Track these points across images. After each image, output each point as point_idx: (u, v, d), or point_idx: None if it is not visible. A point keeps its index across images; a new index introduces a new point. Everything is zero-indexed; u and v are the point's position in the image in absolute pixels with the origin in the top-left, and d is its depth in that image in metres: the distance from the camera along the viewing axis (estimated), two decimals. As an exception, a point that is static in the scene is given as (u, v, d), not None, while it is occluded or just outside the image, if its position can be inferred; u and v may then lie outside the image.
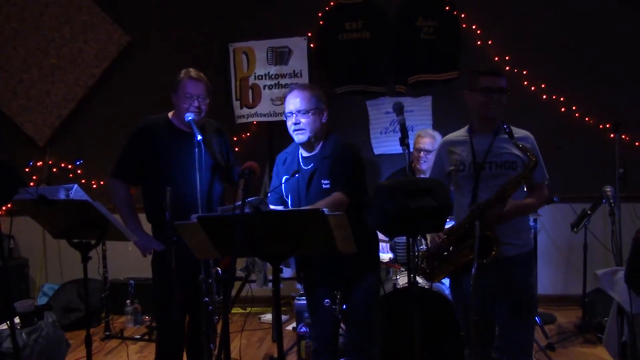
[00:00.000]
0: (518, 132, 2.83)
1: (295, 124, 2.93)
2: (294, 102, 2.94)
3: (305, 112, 2.92)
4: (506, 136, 2.76)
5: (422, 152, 4.29)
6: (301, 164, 3.02)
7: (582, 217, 4.38)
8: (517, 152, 2.75)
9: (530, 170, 2.70)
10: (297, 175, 2.95)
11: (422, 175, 4.34)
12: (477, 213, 2.63)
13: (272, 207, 3.01)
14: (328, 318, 3.03)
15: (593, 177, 4.69)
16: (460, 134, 2.94)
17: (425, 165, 4.28)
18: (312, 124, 2.93)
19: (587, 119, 5.18)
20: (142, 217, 3.37)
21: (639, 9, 5.14)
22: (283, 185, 3.02)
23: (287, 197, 3.05)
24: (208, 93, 3.25)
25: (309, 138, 2.94)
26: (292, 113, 2.94)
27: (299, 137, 2.95)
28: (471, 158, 2.81)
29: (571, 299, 5.15)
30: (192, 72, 3.23)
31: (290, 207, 3.02)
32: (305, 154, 3.03)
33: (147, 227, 3.38)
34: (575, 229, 4.42)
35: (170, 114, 3.33)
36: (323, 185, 2.91)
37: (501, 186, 2.72)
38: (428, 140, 4.31)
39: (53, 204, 2.68)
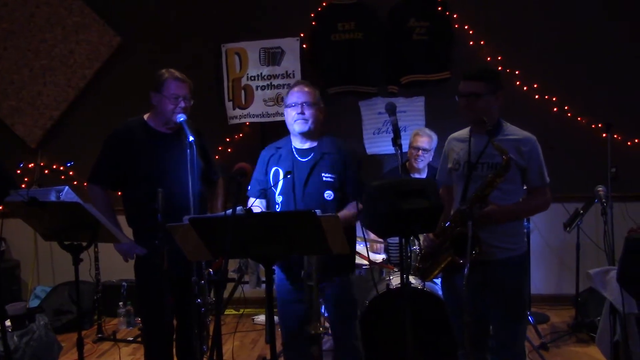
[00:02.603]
0: (519, 133, 2.83)
1: (300, 113, 3.00)
2: (301, 94, 3.03)
3: (311, 105, 3.01)
4: (503, 137, 2.76)
5: (420, 151, 4.30)
6: (296, 156, 3.05)
7: (575, 216, 4.40)
8: (513, 154, 2.72)
9: (503, 171, 2.66)
10: (288, 176, 2.99)
11: (417, 174, 4.35)
12: (464, 212, 2.64)
13: (252, 200, 3.06)
14: (296, 306, 2.95)
15: (585, 177, 4.70)
16: (463, 133, 2.95)
17: (422, 164, 4.30)
18: (315, 117, 3.02)
19: (579, 118, 5.19)
20: (121, 220, 3.25)
21: (629, 10, 5.16)
22: (278, 179, 3.04)
23: (278, 191, 3.03)
24: (192, 94, 3.19)
25: (310, 129, 3.01)
26: (296, 104, 3.01)
27: (301, 126, 3.00)
28: (466, 158, 2.82)
29: (564, 299, 5.17)
30: (176, 72, 3.16)
31: (283, 200, 3.01)
32: (299, 145, 3.07)
33: (128, 231, 3.24)
34: (567, 229, 4.43)
35: (146, 116, 3.23)
36: (324, 178, 2.98)
37: (478, 187, 2.72)
38: (425, 139, 4.33)
39: (44, 206, 2.66)
